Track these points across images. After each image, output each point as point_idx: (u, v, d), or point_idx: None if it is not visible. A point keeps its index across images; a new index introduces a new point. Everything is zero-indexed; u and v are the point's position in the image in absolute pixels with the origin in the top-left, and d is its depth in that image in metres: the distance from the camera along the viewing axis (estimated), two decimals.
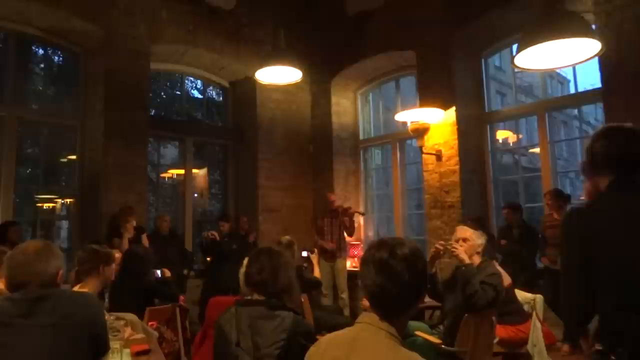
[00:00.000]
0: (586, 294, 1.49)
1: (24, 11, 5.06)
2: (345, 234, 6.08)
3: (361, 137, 7.31)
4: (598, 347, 1.40)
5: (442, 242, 3.33)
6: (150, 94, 6.20)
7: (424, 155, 5.65)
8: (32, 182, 6.03)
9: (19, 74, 5.51)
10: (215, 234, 5.49)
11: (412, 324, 3.26)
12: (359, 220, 6.89)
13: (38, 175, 5.99)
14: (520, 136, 6.57)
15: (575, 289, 1.53)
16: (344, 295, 5.97)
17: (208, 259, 5.70)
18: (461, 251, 3.09)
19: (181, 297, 4.03)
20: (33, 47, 5.90)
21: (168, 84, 7.69)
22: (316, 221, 6.19)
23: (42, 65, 6.33)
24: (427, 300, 3.66)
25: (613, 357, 1.36)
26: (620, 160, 1.54)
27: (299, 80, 4.60)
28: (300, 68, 4.28)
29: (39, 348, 1.61)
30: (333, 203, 6.10)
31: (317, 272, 4.60)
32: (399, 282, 1.26)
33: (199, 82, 7.44)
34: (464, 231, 3.22)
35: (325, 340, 1.40)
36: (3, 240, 4.25)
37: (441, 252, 3.23)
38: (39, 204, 5.88)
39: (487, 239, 3.36)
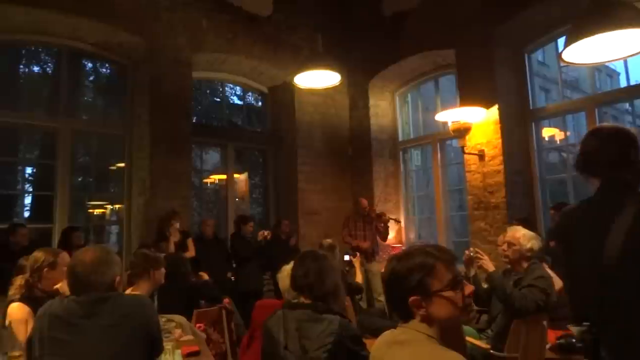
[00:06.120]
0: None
1: (77, 27, 5.31)
2: (378, 239, 6.11)
3: (400, 138, 7.24)
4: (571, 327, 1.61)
5: (471, 249, 3.30)
6: (193, 102, 6.39)
7: (465, 156, 5.53)
8: (84, 189, 6.33)
9: (71, 87, 5.79)
10: (270, 233, 5.71)
11: None
12: (399, 225, 6.83)
13: (89, 183, 6.28)
14: (568, 133, 6.32)
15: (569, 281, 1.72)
16: (382, 298, 5.91)
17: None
18: (485, 261, 3.07)
19: (226, 300, 4.10)
20: (83, 61, 6.19)
21: (209, 91, 7.89)
22: (348, 224, 6.16)
23: (91, 78, 6.64)
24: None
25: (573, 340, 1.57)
26: (610, 161, 1.56)
27: (337, 84, 4.61)
28: (338, 71, 4.28)
29: (100, 347, 1.70)
30: (366, 209, 6.11)
31: (359, 277, 4.58)
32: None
33: (238, 88, 7.60)
34: (514, 232, 3.06)
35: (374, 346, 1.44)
36: (67, 244, 4.49)
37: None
38: (90, 210, 6.16)
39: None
